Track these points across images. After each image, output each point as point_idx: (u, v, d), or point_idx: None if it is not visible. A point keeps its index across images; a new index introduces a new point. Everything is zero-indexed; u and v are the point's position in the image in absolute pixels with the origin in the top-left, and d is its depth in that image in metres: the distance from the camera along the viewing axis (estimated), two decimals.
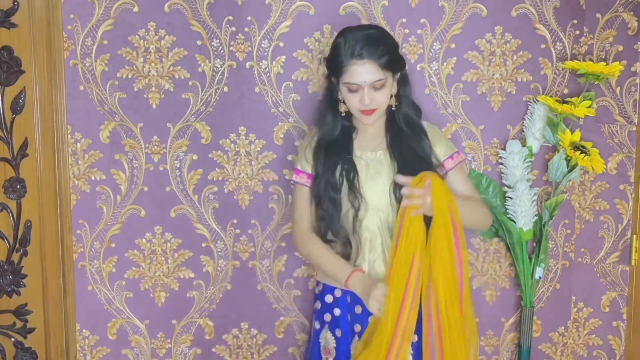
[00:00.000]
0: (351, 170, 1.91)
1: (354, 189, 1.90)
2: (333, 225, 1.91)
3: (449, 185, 1.91)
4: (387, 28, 2.16)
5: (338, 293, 1.96)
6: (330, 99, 1.94)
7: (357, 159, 1.93)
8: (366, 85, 1.82)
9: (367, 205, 1.90)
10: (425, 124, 1.98)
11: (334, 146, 1.93)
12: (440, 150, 1.96)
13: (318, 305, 2.01)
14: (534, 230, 2.19)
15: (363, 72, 1.81)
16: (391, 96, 1.90)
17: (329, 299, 1.98)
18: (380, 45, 1.82)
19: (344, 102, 1.90)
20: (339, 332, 1.96)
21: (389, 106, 1.91)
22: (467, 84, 2.22)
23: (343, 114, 1.93)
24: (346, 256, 1.92)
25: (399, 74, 1.91)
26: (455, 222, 1.79)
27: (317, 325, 2.01)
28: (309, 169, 1.96)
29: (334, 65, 1.86)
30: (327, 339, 1.97)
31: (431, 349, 1.82)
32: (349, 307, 1.95)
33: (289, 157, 2.22)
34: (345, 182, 1.90)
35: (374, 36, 1.84)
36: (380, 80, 1.82)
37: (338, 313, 1.96)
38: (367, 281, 1.84)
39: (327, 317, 1.98)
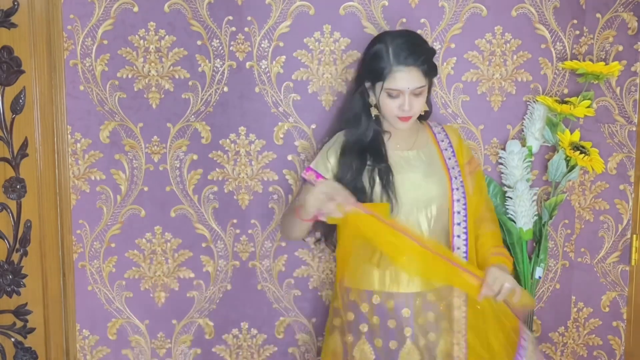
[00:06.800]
0: (387, 172, 1.88)
1: (388, 192, 1.87)
2: None
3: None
4: (387, 28, 2.17)
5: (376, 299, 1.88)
6: (363, 103, 1.93)
7: (392, 161, 1.91)
8: (408, 91, 1.82)
9: (400, 206, 1.86)
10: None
11: (367, 150, 1.91)
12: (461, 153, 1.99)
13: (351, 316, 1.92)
14: (533, 230, 2.19)
15: (407, 78, 1.81)
16: None
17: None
18: (423, 52, 1.84)
19: (375, 107, 1.90)
20: (378, 342, 1.86)
21: None
22: (467, 84, 2.22)
23: (374, 118, 1.92)
24: None
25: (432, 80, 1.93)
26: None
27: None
28: (323, 170, 1.92)
29: (375, 70, 1.83)
30: (365, 352, 1.87)
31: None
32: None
33: (289, 157, 2.23)
34: (378, 185, 1.87)
35: (416, 43, 1.85)
36: (421, 87, 1.83)
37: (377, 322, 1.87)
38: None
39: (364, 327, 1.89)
